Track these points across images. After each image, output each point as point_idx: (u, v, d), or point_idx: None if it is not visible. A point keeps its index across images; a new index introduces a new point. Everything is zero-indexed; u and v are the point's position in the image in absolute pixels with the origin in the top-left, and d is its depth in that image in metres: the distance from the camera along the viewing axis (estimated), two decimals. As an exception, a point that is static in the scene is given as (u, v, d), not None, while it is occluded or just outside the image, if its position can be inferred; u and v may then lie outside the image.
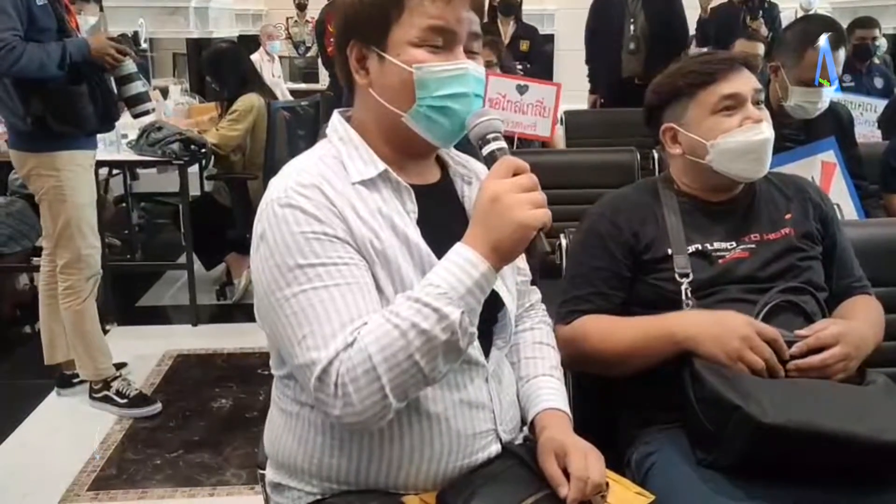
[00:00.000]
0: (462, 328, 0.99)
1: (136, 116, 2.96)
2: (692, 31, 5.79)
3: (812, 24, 2.37)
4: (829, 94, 2.27)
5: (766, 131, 1.47)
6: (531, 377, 1.27)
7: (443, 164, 1.26)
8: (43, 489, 2.42)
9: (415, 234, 1.11)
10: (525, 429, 1.25)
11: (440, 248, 1.06)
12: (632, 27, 4.68)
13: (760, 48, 3.83)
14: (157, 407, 2.89)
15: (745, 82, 1.48)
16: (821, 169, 2.21)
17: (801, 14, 5.84)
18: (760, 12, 5.44)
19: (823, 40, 2.21)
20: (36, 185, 2.72)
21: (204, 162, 4.35)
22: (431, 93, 1.09)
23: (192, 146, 3.67)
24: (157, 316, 3.96)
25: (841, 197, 2.18)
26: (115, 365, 2.97)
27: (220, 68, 4.03)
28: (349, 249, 1.06)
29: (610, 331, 1.42)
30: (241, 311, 3.92)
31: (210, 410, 2.92)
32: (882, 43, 5.05)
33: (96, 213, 2.89)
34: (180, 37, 8.06)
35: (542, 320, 1.36)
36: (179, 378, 3.19)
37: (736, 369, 1.29)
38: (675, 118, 1.53)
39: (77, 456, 2.59)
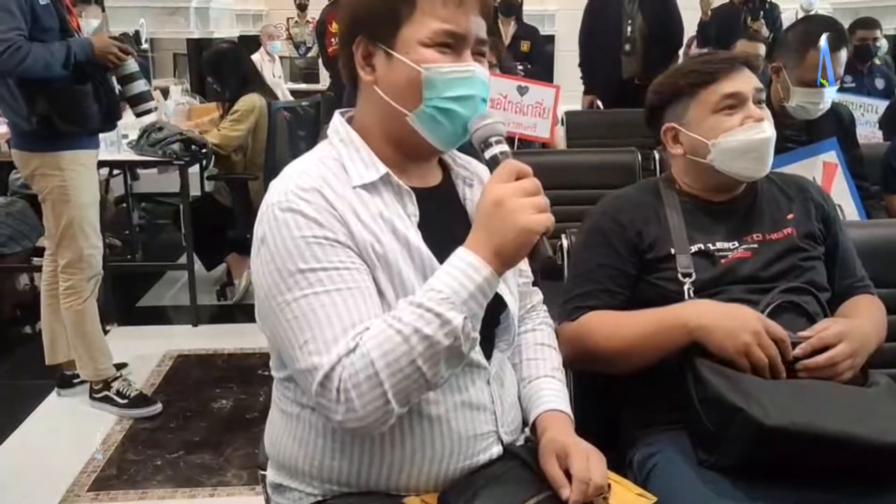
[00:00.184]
0: (465, 333, 0.99)
1: (138, 115, 2.97)
2: (693, 32, 5.79)
3: (813, 25, 2.37)
4: (831, 94, 2.27)
5: (768, 130, 1.47)
6: (533, 378, 1.27)
7: (444, 166, 1.25)
8: (43, 489, 2.42)
9: (416, 238, 1.11)
10: (526, 430, 1.25)
11: (441, 252, 1.06)
12: (629, 28, 4.68)
13: (761, 49, 3.83)
14: (158, 407, 2.89)
15: (746, 81, 1.48)
16: (822, 169, 2.21)
17: (801, 15, 5.84)
18: (761, 13, 5.45)
19: (825, 41, 2.21)
20: (40, 185, 2.72)
21: (204, 162, 4.35)
22: (439, 94, 1.08)
23: (193, 146, 3.67)
24: (158, 316, 3.96)
25: (842, 198, 2.17)
26: (115, 365, 2.96)
27: (220, 69, 4.03)
28: (350, 254, 1.06)
29: (618, 324, 1.41)
30: (241, 312, 3.92)
31: (210, 411, 2.92)
32: (883, 44, 5.04)
33: (99, 214, 2.89)
34: (181, 37, 8.06)
35: (543, 321, 1.36)
36: (180, 378, 3.19)
37: (739, 363, 1.28)
38: (676, 118, 1.53)
39: (77, 456, 2.59)
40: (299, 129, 4.07)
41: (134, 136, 3.78)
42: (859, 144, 2.56)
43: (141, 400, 2.89)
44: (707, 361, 1.30)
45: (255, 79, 4.09)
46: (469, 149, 1.18)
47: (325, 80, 7.56)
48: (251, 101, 3.86)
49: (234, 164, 3.97)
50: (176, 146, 3.59)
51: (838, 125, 2.42)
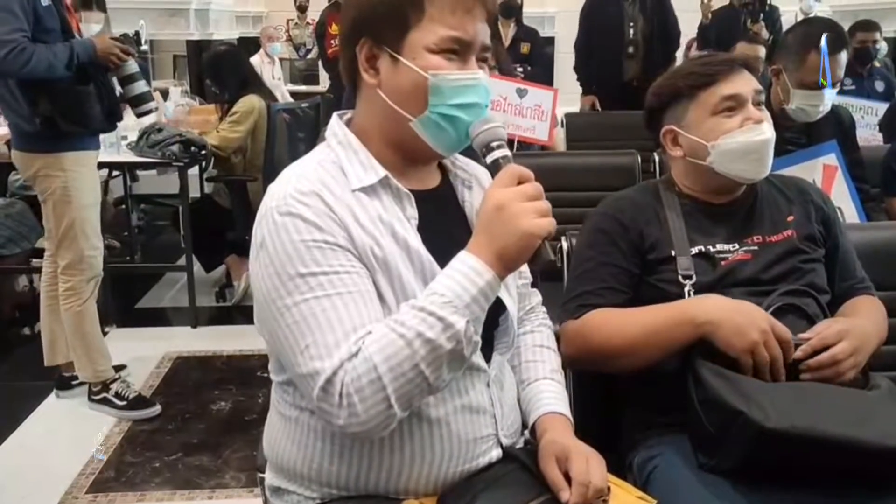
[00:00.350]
0: (467, 337, 0.99)
1: (139, 116, 2.99)
2: (693, 34, 5.80)
3: (814, 27, 2.36)
4: (831, 97, 2.27)
5: (767, 132, 1.46)
6: (532, 381, 1.27)
7: (442, 168, 1.25)
8: (41, 491, 2.42)
9: (415, 241, 1.11)
10: (526, 432, 1.24)
11: (441, 254, 1.06)
12: (631, 31, 4.69)
13: (761, 51, 3.84)
14: (156, 409, 2.88)
15: (745, 83, 1.47)
16: (822, 172, 2.21)
17: (801, 17, 5.84)
18: (761, 15, 5.45)
19: (825, 43, 2.21)
20: (42, 185, 2.72)
21: (204, 164, 4.35)
22: (445, 100, 1.08)
23: (192, 148, 3.67)
24: (157, 318, 3.96)
25: (842, 200, 2.17)
26: (114, 367, 2.96)
27: (219, 71, 4.03)
28: (350, 257, 1.05)
29: (622, 321, 1.40)
30: (240, 313, 3.92)
31: (209, 413, 2.91)
32: (883, 46, 5.05)
33: (99, 215, 2.89)
34: (180, 38, 8.06)
35: (542, 323, 1.35)
36: (179, 380, 3.18)
37: (743, 361, 1.28)
38: (675, 120, 1.53)
39: (76, 458, 2.59)
40: (298, 131, 4.07)
41: (133, 137, 3.78)
42: (859, 147, 2.56)
43: (139, 401, 2.89)
44: (708, 363, 1.30)
45: (254, 80, 4.10)
46: (468, 150, 1.17)
47: (324, 81, 7.57)
48: (250, 102, 3.86)
49: (233, 165, 3.97)
50: (175, 148, 3.59)
51: (838, 128, 2.42)
